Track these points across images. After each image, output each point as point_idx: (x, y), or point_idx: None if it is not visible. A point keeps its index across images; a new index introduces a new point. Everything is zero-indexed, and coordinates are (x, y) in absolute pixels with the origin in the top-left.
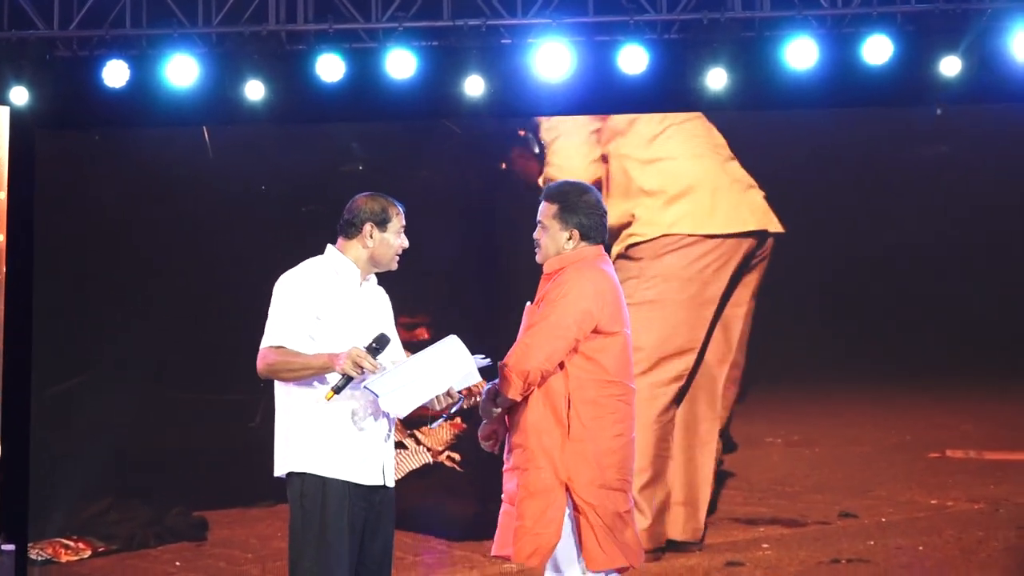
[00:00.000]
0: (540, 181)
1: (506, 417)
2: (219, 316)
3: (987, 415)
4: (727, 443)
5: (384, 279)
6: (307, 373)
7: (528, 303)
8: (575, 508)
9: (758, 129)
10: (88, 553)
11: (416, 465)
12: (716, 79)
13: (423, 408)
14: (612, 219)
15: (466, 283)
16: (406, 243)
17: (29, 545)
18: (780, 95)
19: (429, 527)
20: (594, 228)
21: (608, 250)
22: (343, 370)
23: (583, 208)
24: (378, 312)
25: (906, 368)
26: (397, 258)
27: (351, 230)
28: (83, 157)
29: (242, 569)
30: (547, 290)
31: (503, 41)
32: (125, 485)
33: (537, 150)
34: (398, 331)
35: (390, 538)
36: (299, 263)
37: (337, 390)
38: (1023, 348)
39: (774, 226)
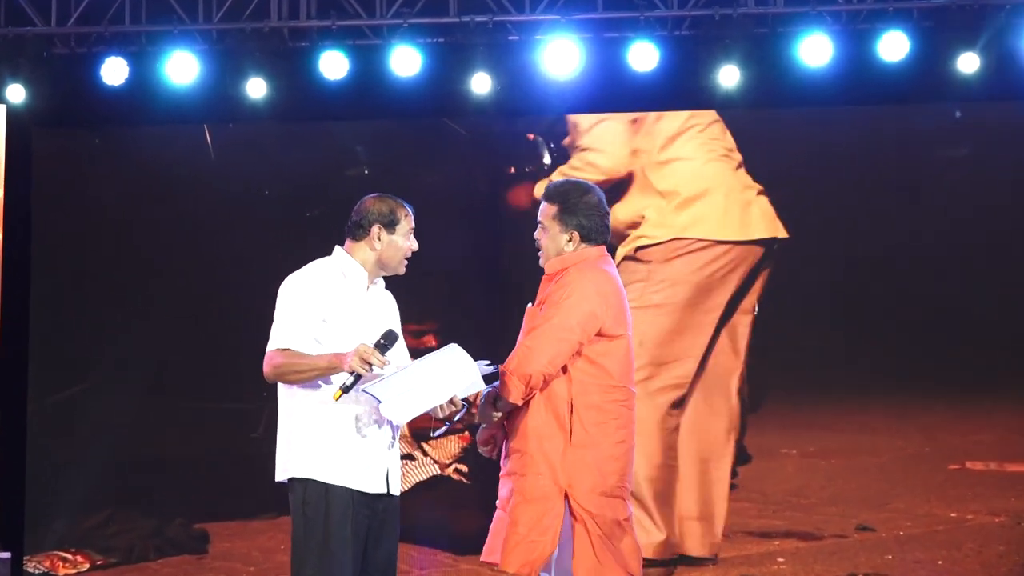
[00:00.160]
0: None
1: (504, 422)
2: (221, 320)
3: (1008, 426)
4: (741, 454)
5: (390, 283)
6: (314, 374)
7: (529, 305)
8: (572, 516)
9: (771, 128)
10: (86, 566)
11: (424, 477)
12: (728, 76)
13: (426, 416)
14: (623, 216)
15: (473, 287)
16: (415, 246)
17: (26, 558)
18: (794, 93)
19: (435, 540)
20: (595, 230)
21: (612, 251)
22: (351, 368)
23: (584, 209)
24: (385, 316)
25: (925, 377)
26: (406, 261)
27: (359, 232)
28: (81, 156)
29: None
30: (549, 292)
31: (510, 38)
32: (124, 496)
33: (546, 156)
34: (406, 338)
35: (394, 547)
36: (303, 265)
37: (346, 389)
38: None
39: (781, 233)
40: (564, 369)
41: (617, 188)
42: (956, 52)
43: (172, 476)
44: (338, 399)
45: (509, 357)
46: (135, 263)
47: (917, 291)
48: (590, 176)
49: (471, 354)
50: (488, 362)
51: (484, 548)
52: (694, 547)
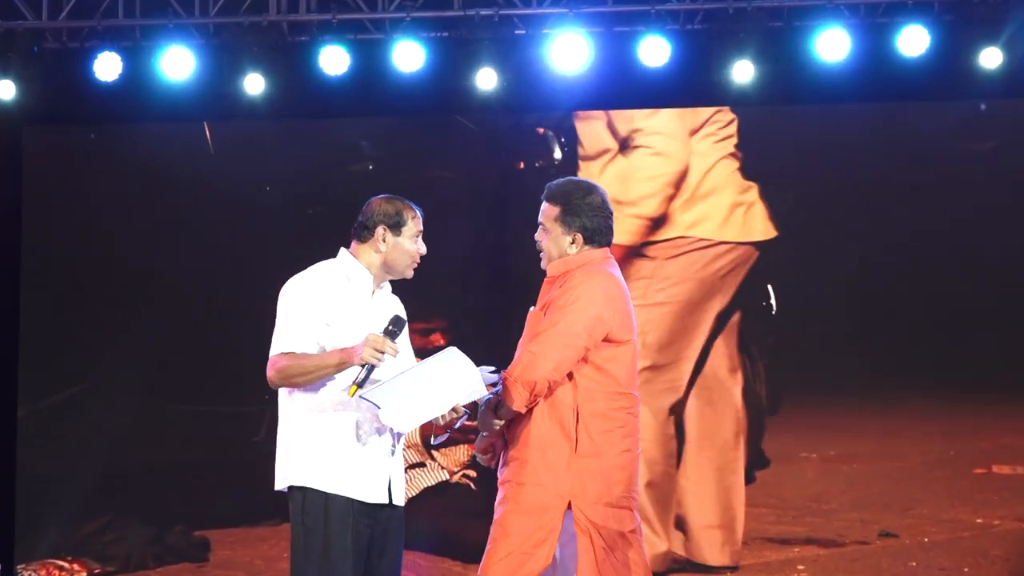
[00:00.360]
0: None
1: (504, 429)
2: (221, 323)
3: None
4: (759, 458)
5: (395, 282)
6: (322, 373)
7: (531, 308)
8: (577, 527)
9: (786, 125)
10: (84, 575)
11: (432, 482)
12: (742, 72)
13: (429, 424)
14: (647, 212)
15: (481, 285)
16: (423, 249)
17: (21, 566)
18: (810, 89)
19: (443, 548)
20: (599, 231)
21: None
22: (363, 360)
23: (587, 210)
24: None
25: (950, 378)
26: (414, 265)
27: (364, 233)
28: (73, 154)
29: None
30: (553, 295)
31: (517, 32)
32: (122, 502)
33: (557, 151)
34: (412, 337)
35: (398, 557)
36: (304, 264)
37: (360, 383)
38: None
39: (772, 233)
40: (569, 376)
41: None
42: (978, 47)
43: (171, 481)
44: (353, 395)
45: (513, 363)
46: (131, 263)
47: (939, 291)
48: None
49: (478, 355)
50: (493, 368)
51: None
52: (714, 556)
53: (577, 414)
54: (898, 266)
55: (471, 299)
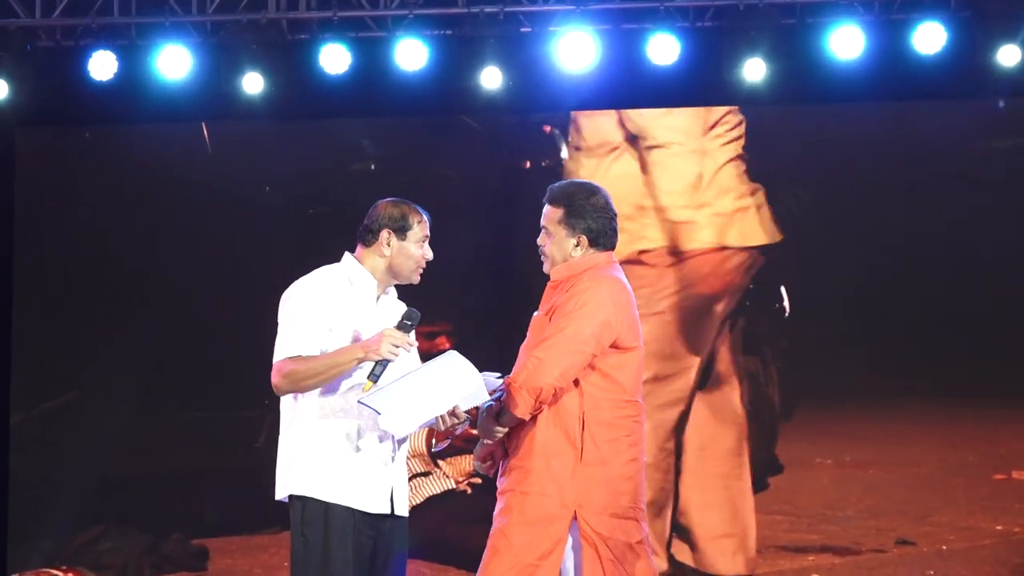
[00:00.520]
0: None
1: (504, 437)
2: (219, 326)
3: None
4: (772, 464)
5: (400, 286)
6: (335, 372)
7: (535, 313)
8: (582, 538)
9: (799, 125)
10: None
11: (438, 491)
12: (754, 70)
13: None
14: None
15: (487, 287)
16: (430, 255)
17: (15, 575)
18: (823, 88)
19: (449, 557)
20: (603, 233)
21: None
22: (383, 355)
23: (591, 212)
24: None
25: (969, 382)
26: (419, 271)
27: (369, 237)
28: (67, 156)
29: None
30: (559, 300)
31: (522, 30)
32: (118, 510)
33: (564, 150)
34: (418, 341)
35: (402, 568)
36: (305, 265)
37: (375, 379)
38: None
39: (777, 237)
40: (575, 382)
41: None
42: (996, 44)
43: (168, 488)
44: (368, 391)
45: (517, 369)
46: (126, 266)
47: (957, 293)
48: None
49: (483, 359)
50: (498, 374)
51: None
52: (726, 566)
53: (583, 422)
54: (912, 268)
55: (476, 302)
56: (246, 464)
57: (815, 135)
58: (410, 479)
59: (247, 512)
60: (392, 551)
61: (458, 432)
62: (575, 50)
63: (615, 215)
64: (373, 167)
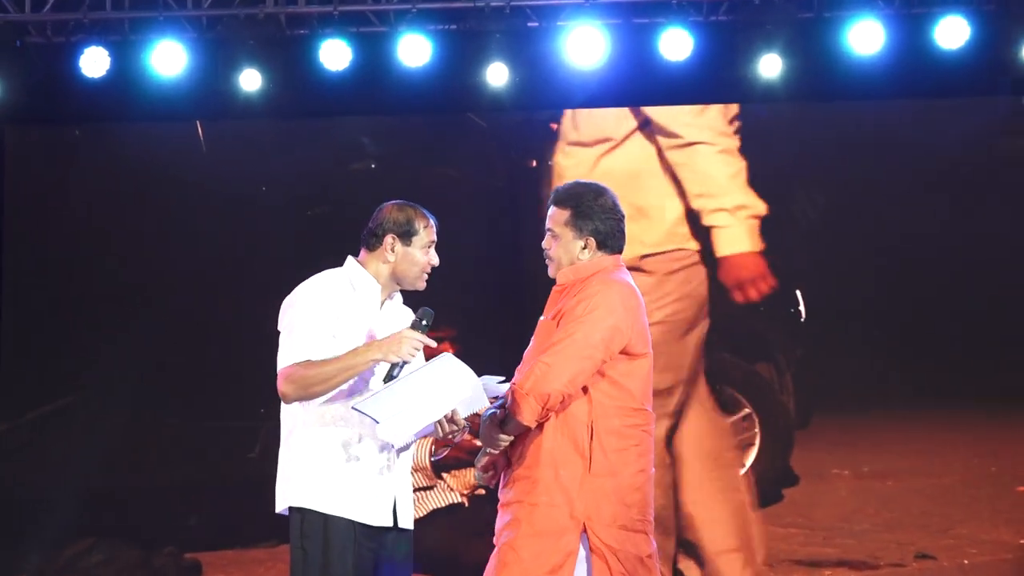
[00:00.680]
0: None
1: (507, 446)
2: (215, 332)
3: None
4: (787, 475)
5: (405, 291)
6: (348, 375)
7: (541, 318)
8: (592, 551)
9: (817, 122)
10: None
11: (442, 504)
12: (769, 66)
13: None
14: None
15: (492, 290)
16: (436, 260)
17: None
18: (842, 84)
19: (452, 570)
20: (611, 235)
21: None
22: (402, 357)
23: (599, 213)
24: None
25: (991, 391)
26: (425, 276)
27: (372, 241)
28: (58, 154)
29: None
30: (567, 304)
31: (529, 24)
32: (108, 522)
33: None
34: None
35: None
36: (305, 268)
37: (391, 380)
38: None
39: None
40: (584, 389)
41: None
42: (1020, 39)
43: (160, 500)
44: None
45: (524, 375)
46: (119, 269)
47: (982, 298)
48: None
49: (489, 364)
50: (502, 379)
51: None
52: None
53: (591, 430)
54: (935, 271)
55: (482, 305)
56: (241, 476)
57: (834, 134)
58: (413, 492)
59: (242, 525)
60: (395, 564)
61: (457, 440)
62: (584, 45)
63: (623, 217)
64: (374, 166)
